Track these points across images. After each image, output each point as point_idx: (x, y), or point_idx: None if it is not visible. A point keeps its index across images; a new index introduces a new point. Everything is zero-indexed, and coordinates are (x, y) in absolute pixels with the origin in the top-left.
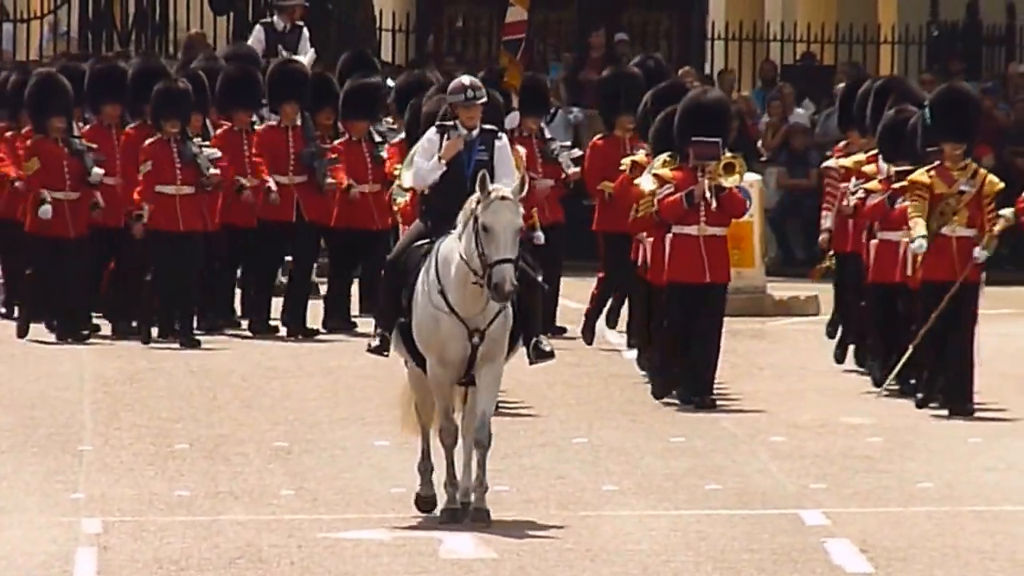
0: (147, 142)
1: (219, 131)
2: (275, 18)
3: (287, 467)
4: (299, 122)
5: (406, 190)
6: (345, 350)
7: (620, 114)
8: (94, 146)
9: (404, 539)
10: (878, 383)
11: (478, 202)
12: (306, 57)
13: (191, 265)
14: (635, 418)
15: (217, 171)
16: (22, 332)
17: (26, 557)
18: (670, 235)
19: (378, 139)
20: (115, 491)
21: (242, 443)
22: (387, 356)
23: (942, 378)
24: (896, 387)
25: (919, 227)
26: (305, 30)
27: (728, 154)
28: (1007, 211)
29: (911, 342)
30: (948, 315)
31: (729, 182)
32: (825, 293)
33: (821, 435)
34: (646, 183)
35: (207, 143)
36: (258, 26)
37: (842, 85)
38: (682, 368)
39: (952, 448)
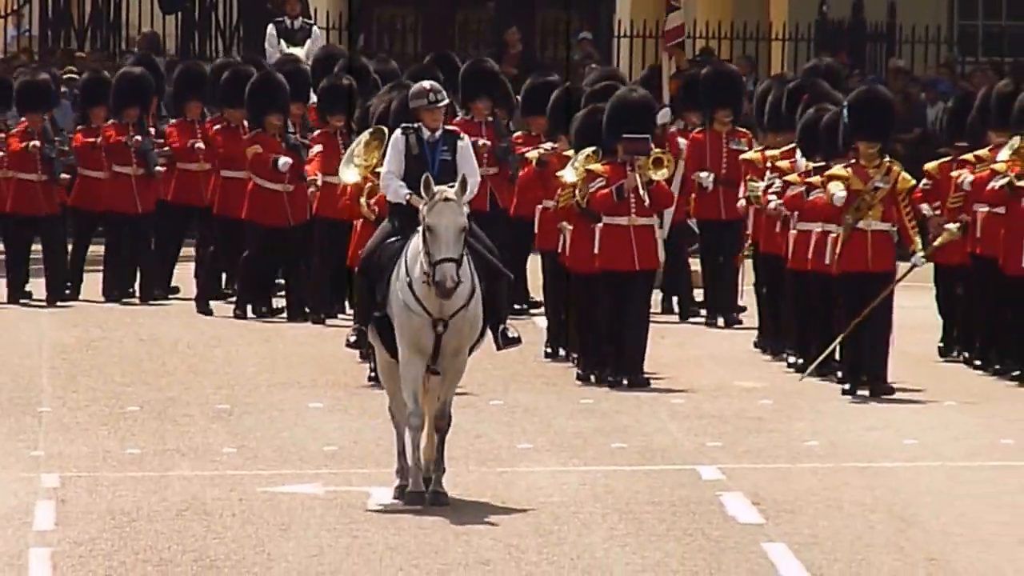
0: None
1: None
2: (285, 17)
3: (229, 427)
4: (490, 118)
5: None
6: (282, 320)
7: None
8: (306, 141)
9: (336, 493)
10: (799, 369)
11: (425, 204)
12: (302, 49)
13: None
14: (548, 382)
15: None
16: (240, 313)
17: None
18: (600, 225)
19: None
20: (72, 449)
21: (188, 405)
22: (364, 350)
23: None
24: (817, 376)
25: (838, 186)
26: (315, 29)
27: (657, 149)
28: (953, 226)
29: (834, 330)
30: (867, 301)
31: (658, 175)
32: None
33: (717, 397)
34: (568, 175)
35: None
36: (270, 25)
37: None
38: (609, 351)
39: (836, 410)
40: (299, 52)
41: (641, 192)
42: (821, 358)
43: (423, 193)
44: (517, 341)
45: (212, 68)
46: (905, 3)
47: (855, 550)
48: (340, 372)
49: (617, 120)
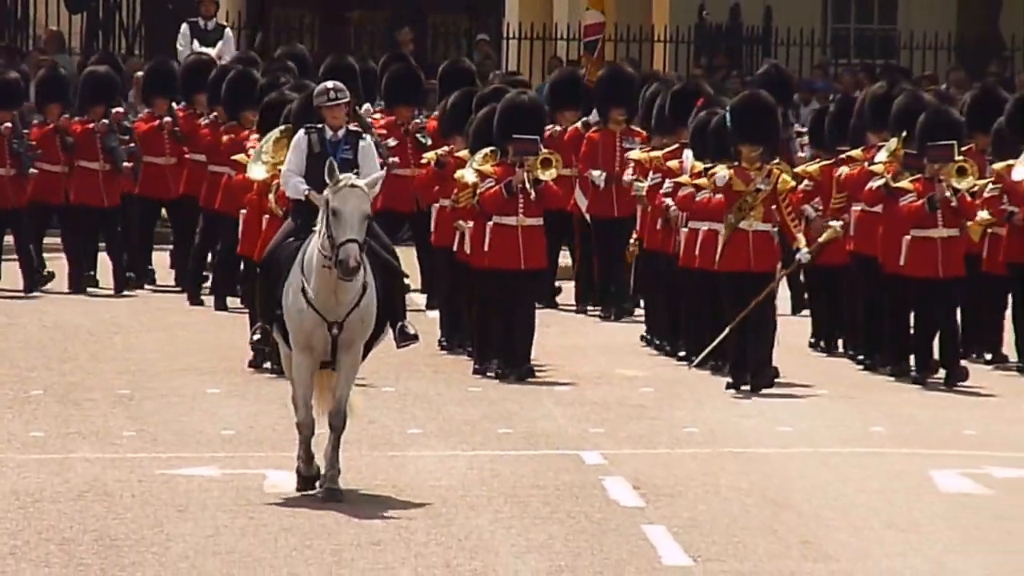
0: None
1: (383, 122)
2: (200, 18)
3: (129, 411)
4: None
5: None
6: (181, 308)
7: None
8: None
9: (232, 475)
10: (689, 360)
11: (330, 189)
12: (214, 50)
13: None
14: (437, 370)
15: (396, 159)
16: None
17: None
18: (490, 224)
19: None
20: None
21: (90, 390)
22: (268, 348)
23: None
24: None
25: (722, 168)
26: (228, 30)
27: (545, 150)
28: (836, 223)
29: (722, 324)
30: (748, 300)
31: (546, 175)
32: None
33: (599, 385)
34: (467, 176)
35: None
36: (184, 24)
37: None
38: (499, 343)
39: (715, 398)
40: (211, 52)
41: (528, 188)
42: (710, 348)
43: (327, 178)
44: (415, 338)
45: (184, 66)
46: (781, 7)
47: (731, 533)
48: (237, 359)
49: (507, 122)
